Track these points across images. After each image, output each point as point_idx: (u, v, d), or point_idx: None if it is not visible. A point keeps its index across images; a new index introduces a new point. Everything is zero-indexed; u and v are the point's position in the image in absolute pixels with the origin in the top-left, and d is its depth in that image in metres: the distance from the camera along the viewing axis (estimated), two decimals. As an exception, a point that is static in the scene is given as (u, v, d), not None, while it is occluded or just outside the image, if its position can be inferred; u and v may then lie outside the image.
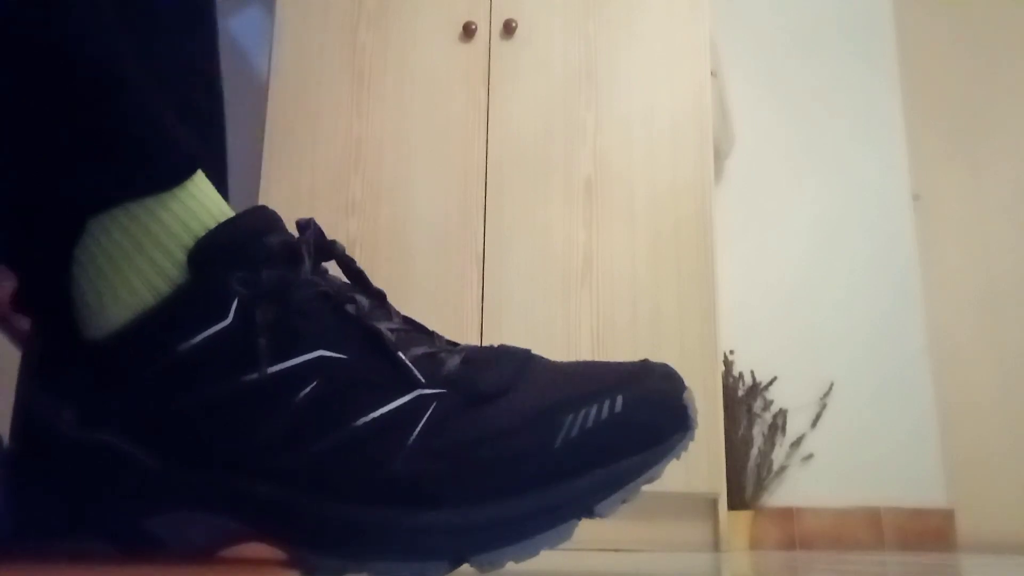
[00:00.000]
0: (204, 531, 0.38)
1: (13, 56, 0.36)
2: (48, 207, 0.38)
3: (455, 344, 0.42)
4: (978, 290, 2.11)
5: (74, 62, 0.37)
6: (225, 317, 0.37)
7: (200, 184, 0.40)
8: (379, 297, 0.42)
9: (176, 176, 0.39)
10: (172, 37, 0.48)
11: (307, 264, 0.39)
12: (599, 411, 0.37)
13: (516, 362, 0.40)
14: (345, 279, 0.42)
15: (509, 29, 1.63)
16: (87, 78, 0.37)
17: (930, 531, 1.92)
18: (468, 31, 1.63)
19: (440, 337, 0.42)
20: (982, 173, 2.19)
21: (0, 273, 0.43)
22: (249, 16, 2.03)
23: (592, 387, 0.38)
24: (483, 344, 1.38)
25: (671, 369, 0.40)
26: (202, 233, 0.38)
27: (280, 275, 0.38)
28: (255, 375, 0.36)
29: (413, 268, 1.53)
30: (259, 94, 1.67)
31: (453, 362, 0.39)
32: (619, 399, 0.37)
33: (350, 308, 0.39)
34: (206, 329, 0.37)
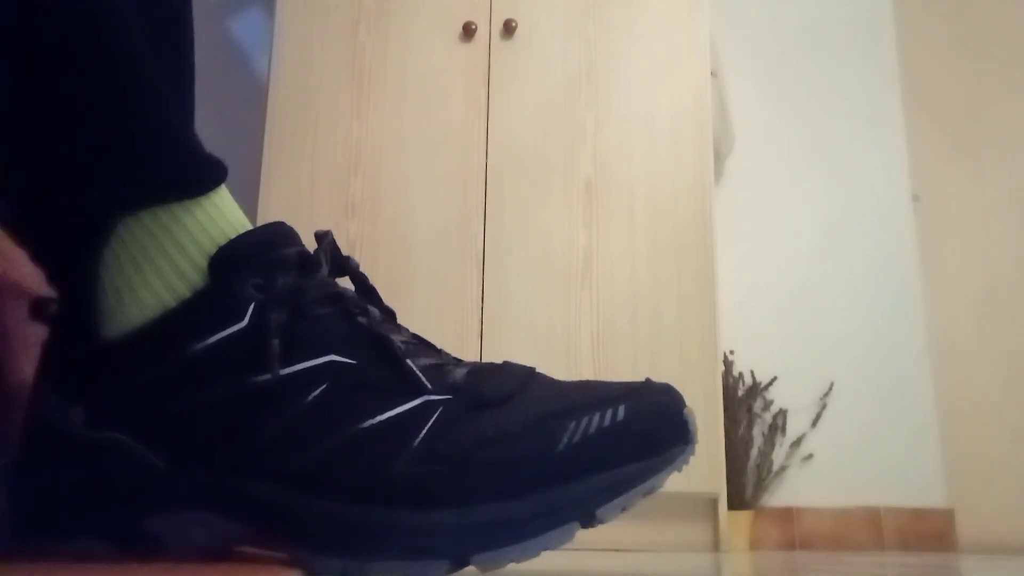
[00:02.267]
0: (206, 532, 0.38)
1: (53, 58, 0.37)
2: (79, 204, 0.39)
3: (461, 360, 0.43)
4: (978, 290, 2.11)
5: (112, 67, 0.38)
6: (241, 320, 0.38)
7: (223, 196, 0.42)
8: (389, 314, 0.43)
9: (205, 185, 0.41)
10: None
11: (324, 268, 0.41)
12: (601, 418, 0.38)
13: (520, 376, 0.41)
14: (357, 295, 0.43)
15: (509, 29, 1.64)
16: (123, 84, 0.39)
17: (930, 531, 1.92)
18: (468, 31, 1.63)
19: (447, 354, 0.43)
20: (982, 174, 2.19)
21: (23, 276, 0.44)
22: (249, 16, 2.03)
23: (594, 397, 0.39)
24: (483, 344, 1.38)
25: (672, 387, 0.41)
26: (223, 241, 0.39)
27: (295, 283, 0.39)
28: (267, 376, 0.37)
29: (413, 269, 1.53)
30: (259, 94, 1.67)
31: (459, 372, 0.40)
32: (621, 408, 0.38)
33: (362, 319, 0.40)
34: (221, 331, 0.38)
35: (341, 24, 1.65)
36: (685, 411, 0.40)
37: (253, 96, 1.77)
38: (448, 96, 1.62)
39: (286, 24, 1.66)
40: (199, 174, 0.41)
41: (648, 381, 0.41)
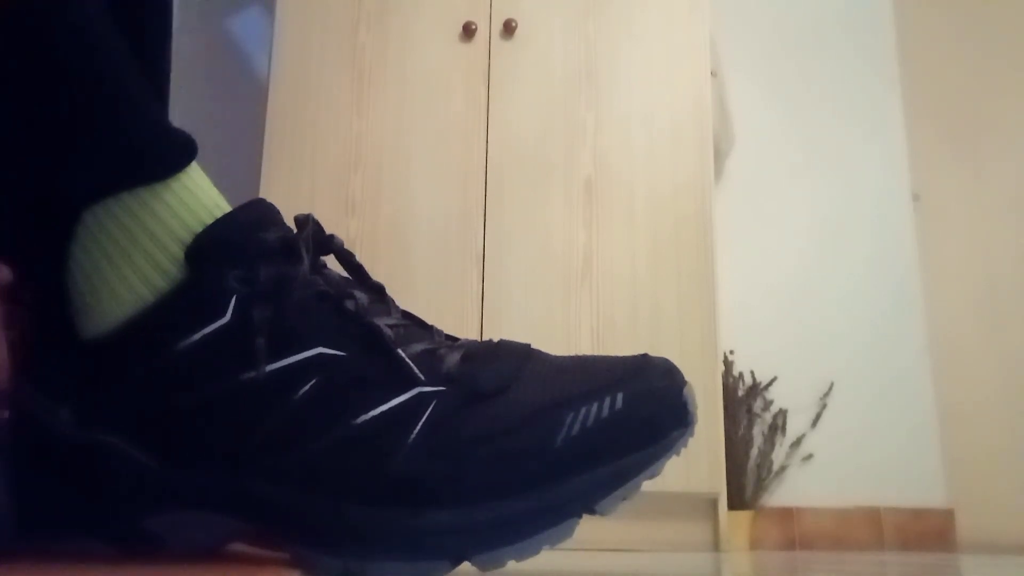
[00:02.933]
0: (204, 530, 0.38)
1: (4, 46, 0.36)
2: (43, 199, 0.37)
3: (454, 339, 0.41)
4: (978, 290, 2.11)
5: (64, 50, 0.36)
6: (223, 315, 0.36)
7: (195, 176, 0.40)
8: (378, 291, 0.42)
9: (170, 166, 0.38)
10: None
11: (305, 260, 0.39)
12: (600, 408, 0.37)
13: (516, 358, 0.40)
14: (344, 273, 0.42)
15: (509, 29, 1.63)
16: (77, 67, 0.37)
17: (930, 531, 1.92)
18: (468, 31, 1.63)
19: (439, 332, 0.41)
20: (982, 173, 2.19)
21: None
22: (249, 16, 2.03)
23: (592, 384, 0.38)
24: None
25: (671, 364, 0.40)
26: (198, 227, 0.38)
27: (278, 272, 0.38)
28: (253, 373, 0.36)
29: (413, 268, 1.53)
30: (259, 94, 1.67)
31: (453, 359, 0.39)
32: (619, 396, 0.37)
33: (349, 304, 0.39)
34: (204, 327, 0.36)
35: (341, 24, 1.65)
36: (684, 391, 0.38)
37: (253, 96, 1.77)
38: (448, 96, 1.62)
39: (286, 24, 1.66)
40: (164, 153, 0.38)
41: (647, 358, 0.40)
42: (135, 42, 0.41)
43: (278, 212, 0.41)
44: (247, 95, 1.85)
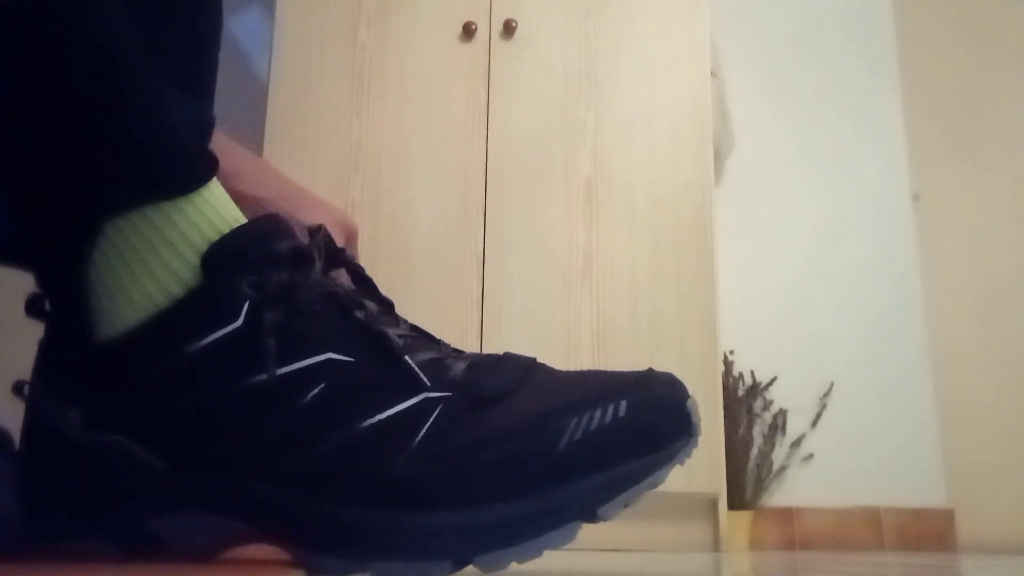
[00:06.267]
0: (209, 532, 0.38)
1: (33, 58, 0.36)
2: (65, 209, 0.38)
3: (460, 352, 0.42)
4: (978, 290, 2.11)
5: (94, 65, 0.37)
6: (235, 319, 0.37)
7: (215, 190, 0.41)
8: (387, 305, 0.42)
9: (192, 182, 0.39)
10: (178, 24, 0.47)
11: (317, 268, 0.40)
12: (603, 414, 0.37)
13: (520, 368, 0.40)
14: (354, 286, 0.43)
15: (509, 29, 1.64)
16: (106, 82, 0.37)
17: (930, 531, 1.92)
18: (468, 31, 1.63)
19: (446, 345, 0.42)
20: (982, 173, 2.19)
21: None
22: (249, 16, 2.03)
23: (596, 391, 0.38)
24: (483, 345, 1.37)
25: (675, 378, 0.40)
26: (215, 238, 0.39)
27: (290, 279, 0.38)
28: (263, 376, 0.37)
29: (413, 268, 1.53)
30: (259, 94, 1.67)
31: (459, 367, 0.39)
32: (623, 403, 0.37)
33: (359, 313, 0.39)
34: (216, 331, 0.37)
35: (341, 24, 1.65)
36: (688, 403, 0.39)
37: (253, 96, 1.77)
38: (448, 96, 1.62)
39: (286, 24, 1.66)
40: (188, 171, 0.39)
41: (651, 371, 0.40)
42: (182, 51, 0.42)
43: (290, 226, 0.41)
44: (247, 95, 1.85)
